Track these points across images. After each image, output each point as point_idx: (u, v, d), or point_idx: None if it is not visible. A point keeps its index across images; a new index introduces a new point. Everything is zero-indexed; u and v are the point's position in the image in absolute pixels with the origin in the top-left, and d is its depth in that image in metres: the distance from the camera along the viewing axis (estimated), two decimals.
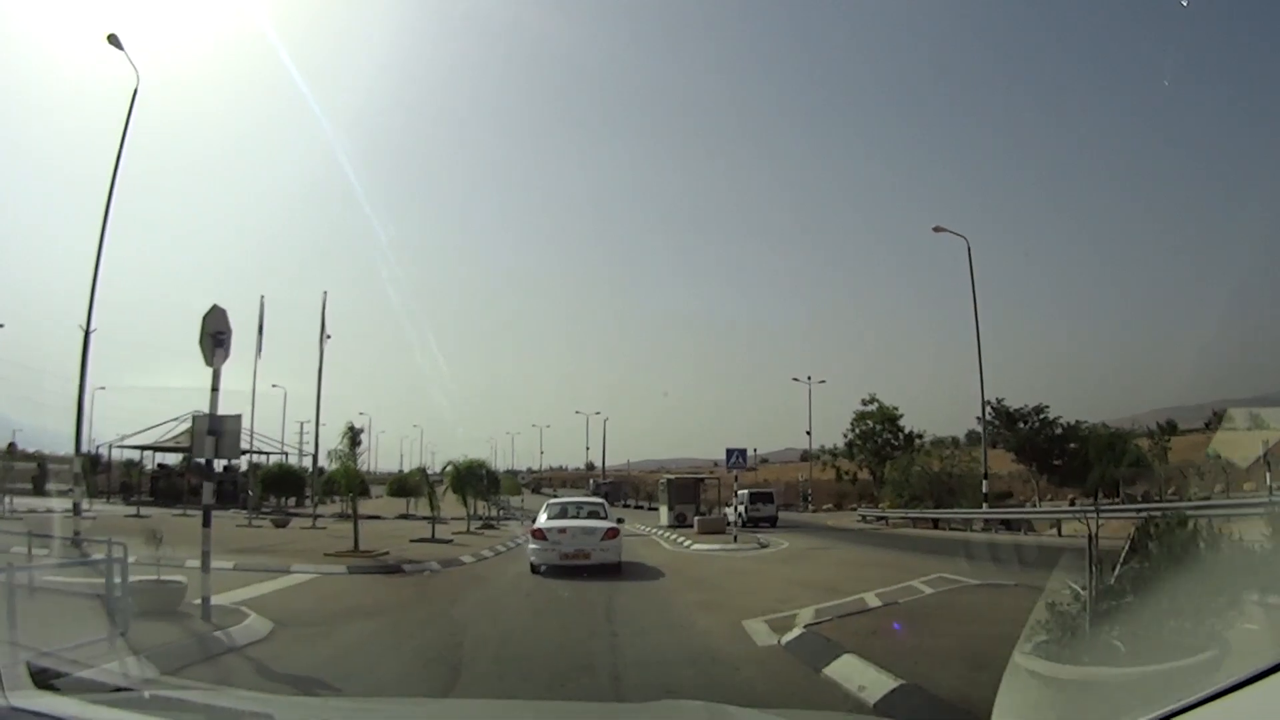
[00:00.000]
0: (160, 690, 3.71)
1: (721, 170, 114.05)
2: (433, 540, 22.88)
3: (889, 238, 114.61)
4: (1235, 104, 68.09)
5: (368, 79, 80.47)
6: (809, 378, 54.68)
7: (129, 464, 57.71)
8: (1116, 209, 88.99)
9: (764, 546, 22.17)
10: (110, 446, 53.46)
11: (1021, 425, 51.62)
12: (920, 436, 45.16)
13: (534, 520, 16.03)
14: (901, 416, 44.99)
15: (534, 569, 14.51)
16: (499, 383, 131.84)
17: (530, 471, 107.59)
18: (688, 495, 33.56)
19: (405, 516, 40.24)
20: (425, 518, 34.83)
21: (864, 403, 46.23)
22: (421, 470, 23.79)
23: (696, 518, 28.74)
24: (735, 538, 22.91)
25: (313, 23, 73.21)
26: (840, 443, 48.75)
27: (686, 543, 23.96)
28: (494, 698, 5.19)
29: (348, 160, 74.79)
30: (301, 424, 76.99)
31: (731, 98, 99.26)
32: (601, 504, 17.51)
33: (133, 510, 34.84)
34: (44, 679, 2.88)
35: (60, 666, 3.46)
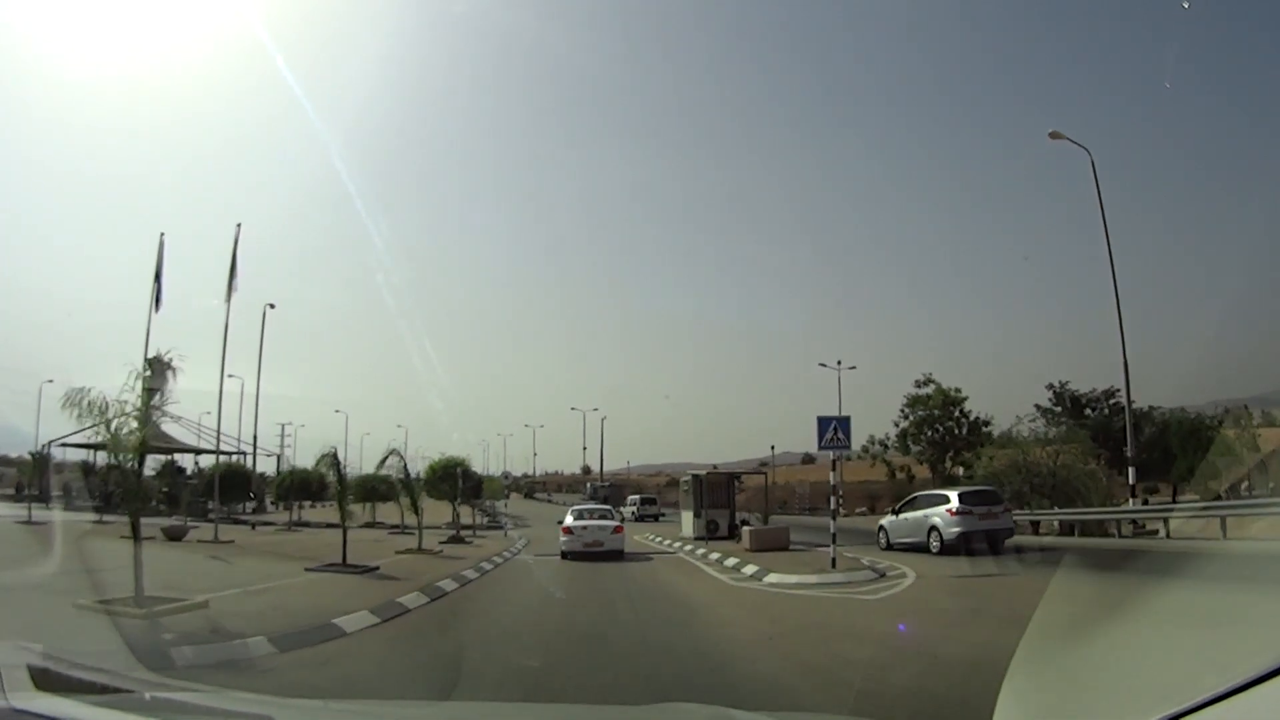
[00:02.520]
0: (161, 692, 3.14)
1: (721, 170, 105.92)
2: (341, 567, 13.72)
3: (888, 233, 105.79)
4: (1234, 99, 60.73)
5: (363, 82, 74.29)
6: (839, 362, 45.64)
7: (85, 465, 49.45)
8: (1115, 207, 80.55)
9: (882, 575, 13.04)
10: (48, 445, 45.58)
11: (1089, 412, 42.95)
12: (988, 424, 36.24)
13: (561, 521, 19.52)
14: (965, 400, 35.98)
15: (563, 555, 18.08)
16: (495, 387, 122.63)
17: (526, 477, 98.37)
18: (720, 497, 24.38)
19: (371, 525, 31.67)
20: (394, 526, 27.50)
21: (918, 384, 37.22)
22: (330, 459, 14.31)
23: (747, 528, 19.46)
24: (834, 561, 13.67)
25: (307, 26, 67.14)
26: (875, 437, 39.35)
27: (746, 568, 14.78)
28: None
29: (343, 163, 70.17)
30: (283, 425, 68.59)
31: (728, 97, 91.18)
32: (610, 509, 22.33)
33: (44, 516, 26.12)
34: (45, 680, 2.44)
35: (61, 668, 2.79)
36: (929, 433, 36.72)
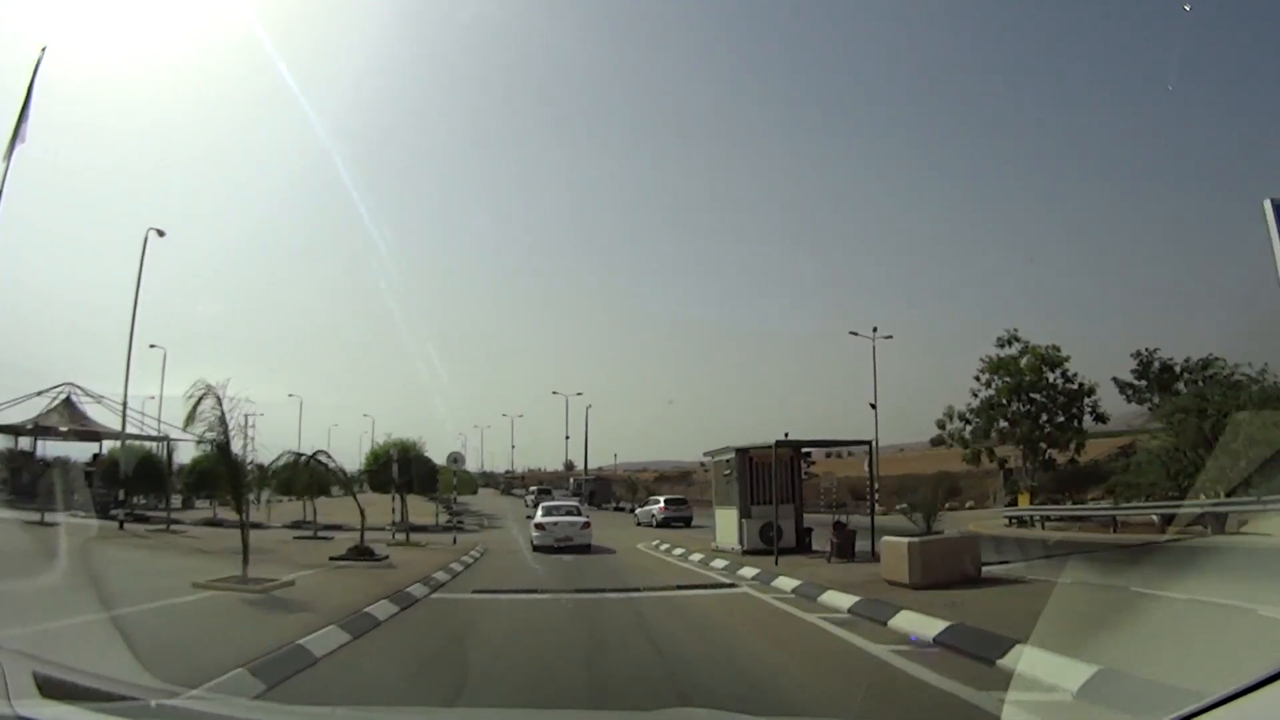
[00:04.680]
0: (166, 700, 3.04)
1: (711, 168, 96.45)
2: None
3: (882, 230, 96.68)
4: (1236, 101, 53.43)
5: (350, 78, 67.37)
6: (874, 329, 36.38)
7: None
8: (1116, 205, 72.66)
9: None
10: None
11: (1181, 387, 34.04)
12: (1092, 392, 27.18)
13: (532, 518, 19.77)
14: (1067, 360, 26.55)
15: (535, 547, 17.43)
16: (478, 384, 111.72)
17: (508, 473, 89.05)
18: (780, 487, 14.62)
19: (299, 524, 23.52)
20: (331, 526, 21.26)
21: (1000, 344, 27.75)
22: None
23: (896, 540, 9.54)
24: None
25: (298, 21, 59.42)
26: (955, 411, 29.65)
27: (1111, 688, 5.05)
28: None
29: (334, 159, 63.34)
30: (247, 416, 58.11)
31: (719, 94, 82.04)
32: (578, 505, 22.56)
33: None
34: (50, 687, 2.36)
35: (66, 676, 2.71)
36: (1016, 405, 27.35)
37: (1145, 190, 68.65)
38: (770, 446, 13.96)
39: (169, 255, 77.52)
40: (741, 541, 14.64)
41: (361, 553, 14.81)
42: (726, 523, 15.55)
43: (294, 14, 57.24)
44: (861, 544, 13.21)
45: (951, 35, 67.57)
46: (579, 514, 19.40)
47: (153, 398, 43.95)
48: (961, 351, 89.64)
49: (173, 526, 23.77)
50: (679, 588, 10.23)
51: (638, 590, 10.04)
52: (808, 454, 15.62)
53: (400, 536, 19.75)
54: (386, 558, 14.91)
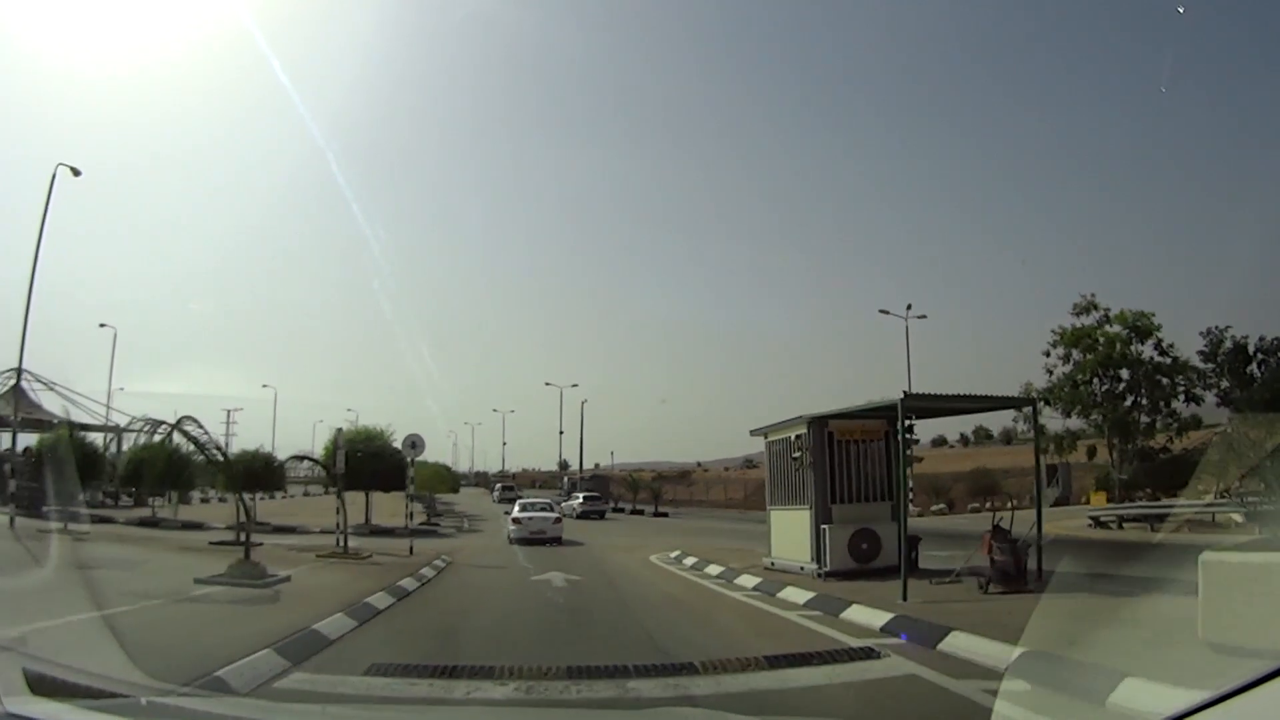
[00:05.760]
0: (157, 697, 2.94)
1: (705, 169, 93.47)
2: None
3: (873, 232, 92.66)
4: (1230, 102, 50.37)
5: (345, 78, 65.65)
6: (908, 307, 31.48)
7: None
8: (1107, 207, 69.17)
9: None
10: None
11: (1257, 369, 28.99)
12: (1185, 368, 22.17)
13: (509, 514, 21.38)
14: (1158, 329, 21.43)
15: (511, 540, 19.14)
16: (473, 383, 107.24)
17: (500, 473, 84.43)
18: (873, 479, 9.54)
19: (239, 526, 17.31)
20: (283, 529, 19.39)
21: (1077, 311, 22.48)
22: None
23: None
24: None
25: (292, 20, 59.02)
26: (1032, 387, 24.26)
27: None
28: None
29: (329, 157, 62.54)
30: (229, 412, 53.59)
31: (713, 95, 78.69)
32: (550, 503, 23.79)
33: None
34: (41, 685, 2.29)
35: (57, 673, 2.67)
36: (1096, 383, 22.09)
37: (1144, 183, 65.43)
38: (868, 412, 8.86)
39: (165, 254, 73.37)
40: (819, 558, 9.53)
41: (245, 570, 9.67)
42: (791, 529, 10.39)
43: (288, 12, 54.59)
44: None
45: (951, 31, 64.43)
46: (551, 510, 21.71)
47: (122, 389, 38.65)
48: (957, 352, 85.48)
49: (71, 525, 18.74)
50: (771, 665, 5.05)
51: (694, 674, 4.83)
52: (910, 426, 10.50)
53: (349, 543, 14.64)
54: (285, 579, 9.77)
